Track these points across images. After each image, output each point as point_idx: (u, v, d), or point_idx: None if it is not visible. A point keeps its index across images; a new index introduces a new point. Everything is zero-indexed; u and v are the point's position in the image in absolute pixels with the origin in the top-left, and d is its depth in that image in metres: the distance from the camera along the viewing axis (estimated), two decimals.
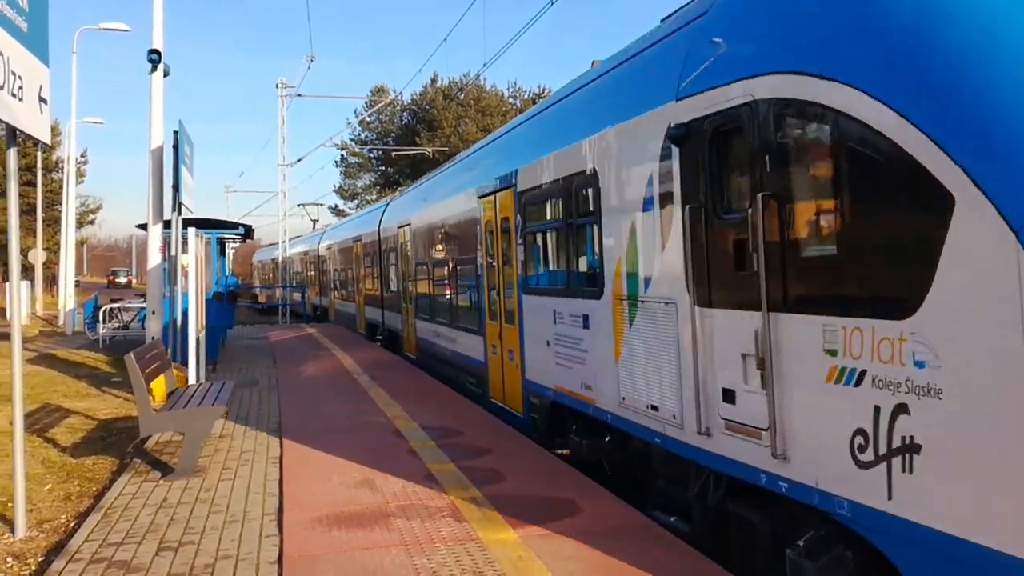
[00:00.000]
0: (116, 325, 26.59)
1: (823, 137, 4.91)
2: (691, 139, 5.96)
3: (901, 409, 4.30)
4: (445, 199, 15.16)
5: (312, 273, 38.83)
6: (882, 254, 4.49)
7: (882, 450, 4.41)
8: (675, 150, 6.13)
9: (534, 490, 7.62)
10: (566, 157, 8.68)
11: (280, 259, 44.37)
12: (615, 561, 5.78)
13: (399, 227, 20.04)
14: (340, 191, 72.62)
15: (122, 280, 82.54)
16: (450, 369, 15.27)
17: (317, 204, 48.74)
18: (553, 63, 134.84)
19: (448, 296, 15.16)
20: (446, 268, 15.25)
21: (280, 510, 7.22)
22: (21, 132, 7.08)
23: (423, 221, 17.21)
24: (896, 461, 4.33)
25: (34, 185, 42.23)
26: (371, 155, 69.55)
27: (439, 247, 15.90)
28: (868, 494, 4.50)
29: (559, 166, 8.92)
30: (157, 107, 14.16)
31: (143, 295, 22.98)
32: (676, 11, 7.20)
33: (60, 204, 42.73)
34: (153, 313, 14.00)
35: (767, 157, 5.21)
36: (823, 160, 4.92)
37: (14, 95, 6.74)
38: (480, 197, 12.24)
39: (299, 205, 49.66)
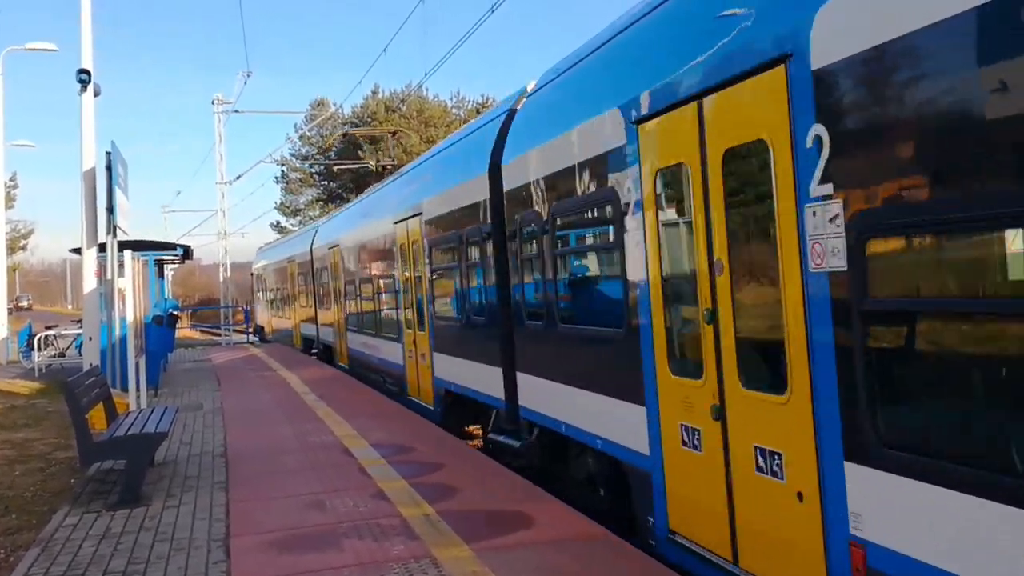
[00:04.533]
0: (52, 353, 25.94)
1: None
2: None
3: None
4: (286, 255, 30.95)
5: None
6: None
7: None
8: None
9: (487, 503, 7.60)
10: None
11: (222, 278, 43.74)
12: (570, 571, 5.79)
13: (264, 267, 37.32)
14: (281, 208, 71.71)
15: (24, 304, 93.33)
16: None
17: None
18: (496, 72, 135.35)
19: (294, 302, 29.75)
20: (294, 290, 29.64)
21: (227, 535, 7.08)
22: None
23: (276, 266, 33.75)
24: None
25: None
26: (312, 170, 68.84)
27: (285, 280, 31.37)
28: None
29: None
30: (88, 128, 13.86)
31: (79, 321, 22.42)
32: None
33: None
34: (90, 339, 13.64)
35: None
36: None
37: None
38: (298, 262, 28.11)
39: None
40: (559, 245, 8.06)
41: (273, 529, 7.15)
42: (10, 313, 36.10)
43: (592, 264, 7.75)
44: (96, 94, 13.98)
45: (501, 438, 9.74)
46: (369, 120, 63.44)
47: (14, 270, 68.75)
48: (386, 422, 12.22)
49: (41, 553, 6.90)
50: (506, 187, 9.23)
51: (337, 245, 20.87)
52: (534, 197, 8.39)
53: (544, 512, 7.18)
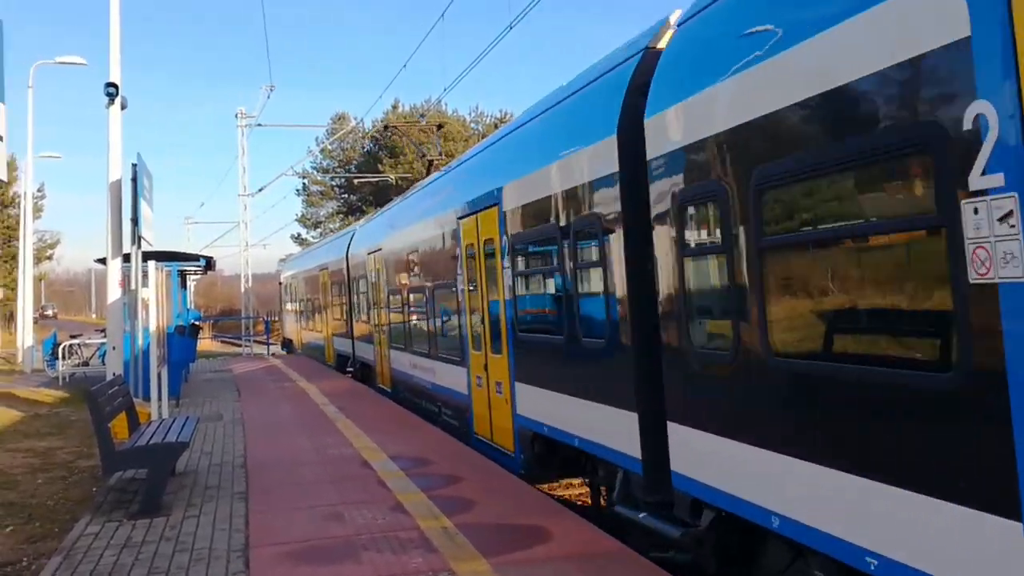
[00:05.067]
0: (76, 362, 26.20)
1: None
2: None
3: None
4: (317, 263, 28.81)
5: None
6: None
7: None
8: None
9: (505, 517, 7.60)
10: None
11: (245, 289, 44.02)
12: None
13: (293, 276, 35.36)
14: (302, 220, 72.32)
15: (49, 313, 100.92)
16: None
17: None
18: (514, 88, 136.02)
19: (326, 314, 27.20)
20: (326, 300, 26.88)
21: (247, 546, 7.12)
22: None
23: (306, 275, 31.29)
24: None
25: None
26: (333, 183, 69.40)
27: (316, 290, 28.92)
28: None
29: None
30: (115, 140, 14.04)
31: (103, 330, 22.65)
32: None
33: (17, 240, 42.06)
34: (114, 348, 13.78)
35: None
36: None
37: None
38: (331, 270, 25.45)
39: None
40: (778, 227, 5.09)
41: (292, 540, 7.19)
42: (35, 322, 36.54)
43: (873, 260, 4.48)
44: (123, 107, 14.16)
45: (641, 517, 6.76)
46: (389, 134, 63.91)
47: (40, 280, 69.72)
48: (404, 435, 12.25)
49: (63, 562, 6.96)
50: (654, 151, 6.42)
51: (379, 249, 18.18)
52: (723, 155, 5.55)
53: (561, 526, 7.17)
